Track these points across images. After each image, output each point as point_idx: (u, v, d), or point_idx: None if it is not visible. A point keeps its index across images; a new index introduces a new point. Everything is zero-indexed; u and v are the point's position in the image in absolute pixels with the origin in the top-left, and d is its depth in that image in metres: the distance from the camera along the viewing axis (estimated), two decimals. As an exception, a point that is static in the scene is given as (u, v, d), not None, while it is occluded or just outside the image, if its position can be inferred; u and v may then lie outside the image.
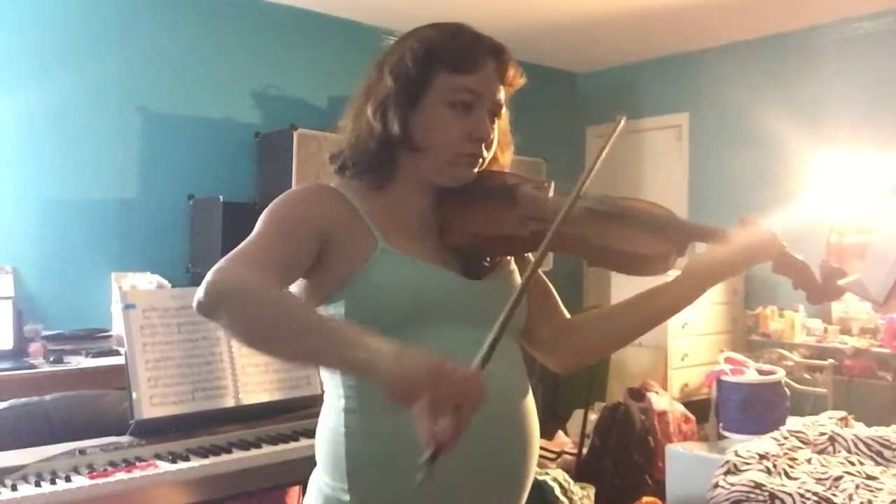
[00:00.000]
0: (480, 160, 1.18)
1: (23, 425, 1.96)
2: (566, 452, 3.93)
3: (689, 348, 4.76)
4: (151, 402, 1.97)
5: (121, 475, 1.76)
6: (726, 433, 3.22)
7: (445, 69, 1.14)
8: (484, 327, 1.14)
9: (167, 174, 4.11)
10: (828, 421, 3.09)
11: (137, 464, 1.83)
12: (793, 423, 3.09)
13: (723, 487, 2.58)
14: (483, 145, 1.17)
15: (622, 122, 1.16)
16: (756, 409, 3.15)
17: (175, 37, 4.16)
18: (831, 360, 4.21)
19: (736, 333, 4.94)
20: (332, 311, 1.10)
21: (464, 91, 1.14)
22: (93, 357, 3.26)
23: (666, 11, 4.59)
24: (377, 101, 1.16)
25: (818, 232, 4.39)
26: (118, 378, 2.14)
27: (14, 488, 1.65)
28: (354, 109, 1.20)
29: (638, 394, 4.17)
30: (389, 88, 1.15)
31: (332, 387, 1.15)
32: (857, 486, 2.51)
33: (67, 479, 1.72)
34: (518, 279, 1.22)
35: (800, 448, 2.87)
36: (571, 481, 3.12)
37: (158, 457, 1.89)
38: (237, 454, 1.95)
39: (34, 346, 3.25)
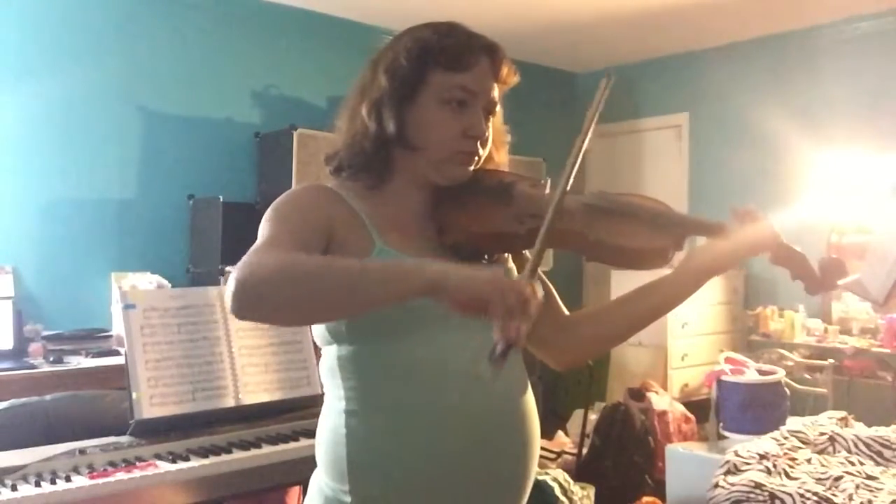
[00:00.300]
0: (476, 158, 1.18)
1: (23, 425, 1.96)
2: (566, 452, 3.93)
3: (689, 348, 4.76)
4: (151, 402, 1.97)
5: (121, 475, 1.76)
6: (726, 433, 3.21)
7: (439, 67, 1.14)
8: (481, 326, 1.14)
9: (167, 174, 4.11)
10: (828, 421, 3.09)
11: (137, 464, 1.83)
12: (793, 423, 3.09)
13: (723, 487, 2.58)
14: (478, 143, 1.17)
15: (611, 81, 1.14)
16: (756, 409, 3.15)
17: (175, 37, 4.16)
18: (831, 360, 4.21)
19: (736, 333, 4.94)
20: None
21: (458, 89, 1.14)
22: (93, 357, 3.26)
23: (666, 11, 4.59)
24: (372, 101, 1.16)
25: (818, 232, 4.39)
26: (118, 378, 2.14)
27: (14, 488, 1.65)
28: (349, 109, 1.20)
29: (638, 394, 4.18)
30: (384, 88, 1.15)
31: (333, 388, 1.15)
32: (857, 486, 2.51)
33: (67, 479, 1.72)
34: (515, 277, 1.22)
35: (800, 448, 2.87)
36: (571, 481, 3.12)
37: (158, 457, 1.89)
38: (237, 454, 1.95)
39: (34, 346, 3.25)
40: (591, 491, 3.22)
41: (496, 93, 1.18)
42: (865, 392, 4.11)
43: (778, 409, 3.19)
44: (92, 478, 1.74)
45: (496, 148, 1.24)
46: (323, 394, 1.19)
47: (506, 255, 1.24)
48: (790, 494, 2.45)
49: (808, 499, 2.42)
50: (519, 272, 1.24)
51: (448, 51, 1.14)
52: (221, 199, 3.89)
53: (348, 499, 1.09)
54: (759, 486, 2.50)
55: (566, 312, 1.30)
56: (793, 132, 4.80)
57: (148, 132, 4.07)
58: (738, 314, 4.97)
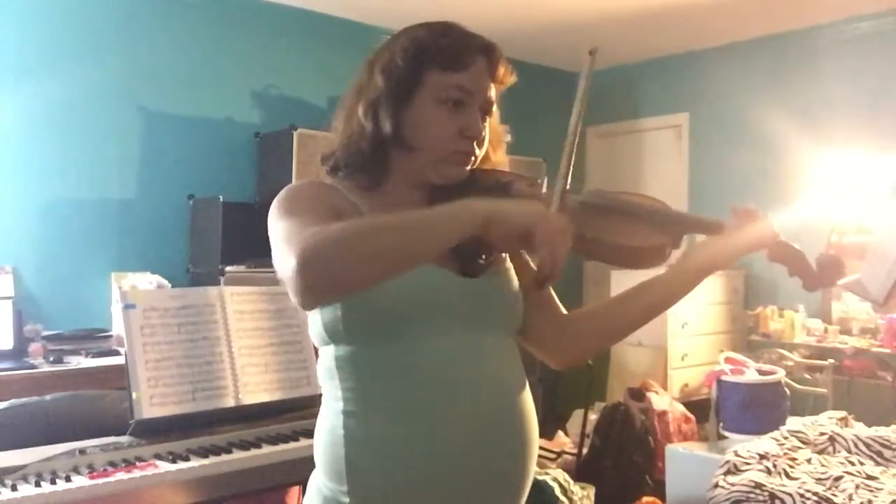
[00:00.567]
0: (472, 158, 1.18)
1: (23, 425, 1.96)
2: (566, 452, 3.93)
3: (689, 348, 4.76)
4: (151, 402, 1.97)
5: (121, 475, 1.76)
6: (726, 433, 3.21)
7: (436, 67, 1.14)
8: (479, 325, 1.14)
9: (167, 174, 4.11)
10: (828, 421, 3.08)
11: (137, 464, 1.83)
12: (793, 423, 3.09)
13: (723, 487, 2.58)
14: (475, 143, 1.17)
15: (595, 55, 1.15)
16: (756, 409, 3.15)
17: (175, 37, 4.16)
18: (831, 360, 4.21)
19: (736, 333, 4.95)
20: (330, 311, 1.10)
21: (454, 89, 1.14)
22: (93, 357, 3.26)
23: (666, 11, 4.59)
24: (368, 101, 1.16)
25: (818, 232, 4.38)
26: (118, 378, 2.14)
27: (14, 488, 1.65)
28: (346, 109, 1.20)
29: (638, 394, 4.18)
30: (380, 88, 1.15)
31: (330, 388, 1.14)
32: (857, 486, 2.51)
33: (67, 479, 1.72)
34: (513, 277, 1.22)
35: (800, 448, 2.87)
36: (571, 481, 3.12)
37: (158, 457, 1.89)
38: (237, 454, 1.95)
39: (34, 346, 3.25)
40: (591, 491, 3.22)
41: (493, 93, 1.18)
42: (865, 392, 4.11)
43: (778, 409, 3.19)
44: (92, 478, 1.74)
45: (493, 147, 1.23)
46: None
47: (503, 254, 1.24)
48: (790, 494, 2.45)
49: (808, 499, 2.42)
50: (517, 272, 1.24)
51: (444, 50, 1.14)
52: (221, 199, 3.90)
53: (347, 499, 1.09)
54: (759, 486, 2.50)
55: (564, 311, 1.30)
56: (793, 132, 4.80)
57: (148, 132, 4.07)
58: (738, 314, 4.97)
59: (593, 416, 3.97)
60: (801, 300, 4.57)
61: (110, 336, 3.55)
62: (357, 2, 4.48)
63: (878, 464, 2.77)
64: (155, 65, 4.08)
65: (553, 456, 3.86)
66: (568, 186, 1.13)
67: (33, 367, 3.07)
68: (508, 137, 1.28)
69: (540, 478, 2.99)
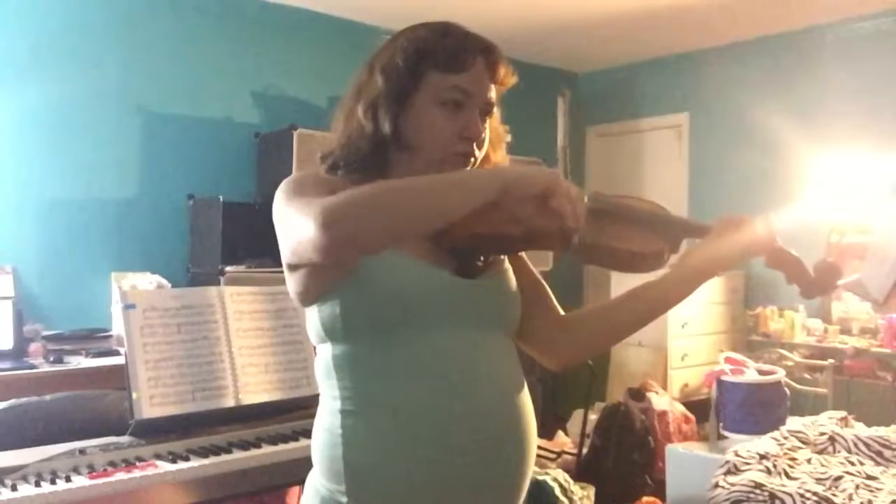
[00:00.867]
0: (472, 159, 1.18)
1: (23, 425, 1.96)
2: (566, 452, 3.93)
3: (689, 348, 4.76)
4: (151, 402, 1.97)
5: (121, 475, 1.76)
6: (726, 433, 3.21)
7: (435, 68, 1.14)
8: (477, 326, 1.14)
9: (167, 174, 4.11)
10: (828, 421, 3.08)
11: (137, 464, 1.83)
12: (793, 423, 3.08)
13: (723, 487, 2.58)
14: (474, 144, 1.17)
15: (566, 96, 1.21)
16: (756, 409, 3.15)
17: (175, 37, 4.16)
18: (831, 360, 4.21)
19: (736, 333, 4.95)
20: (328, 309, 1.10)
21: (454, 90, 1.14)
22: (93, 357, 3.25)
23: (666, 11, 4.59)
24: (368, 101, 1.16)
25: (818, 232, 4.39)
26: (118, 378, 2.14)
27: (14, 488, 1.65)
28: (345, 110, 1.20)
29: (638, 394, 4.17)
30: (380, 88, 1.15)
31: (328, 387, 1.14)
32: (857, 486, 2.51)
33: (67, 479, 1.72)
34: (511, 277, 1.22)
35: (800, 448, 2.86)
36: (571, 481, 3.12)
37: (158, 457, 1.89)
38: (237, 454, 1.95)
39: (34, 346, 3.25)
40: (591, 491, 3.22)
41: (493, 93, 1.18)
42: (865, 392, 4.11)
43: (778, 409, 3.18)
44: (92, 478, 1.74)
45: (493, 149, 1.23)
46: (322, 394, 1.19)
47: (502, 256, 1.24)
48: (790, 494, 2.44)
49: (808, 499, 2.42)
50: (516, 273, 1.24)
51: (444, 51, 1.14)
52: (221, 199, 3.89)
53: (344, 499, 1.09)
54: (759, 486, 2.50)
55: (562, 312, 1.30)
56: (793, 132, 4.80)
57: (148, 132, 4.07)
58: (738, 314, 4.97)
59: (593, 416, 3.97)
60: (800, 300, 4.57)
61: (110, 336, 3.54)
62: (357, 2, 4.48)
63: (878, 464, 2.77)
64: (155, 65, 4.08)
65: (553, 456, 3.86)
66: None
67: (33, 367, 3.07)
68: (507, 138, 1.28)
69: (540, 478, 2.99)
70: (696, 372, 4.67)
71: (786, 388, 3.29)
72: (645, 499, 3.52)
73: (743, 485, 2.53)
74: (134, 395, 1.95)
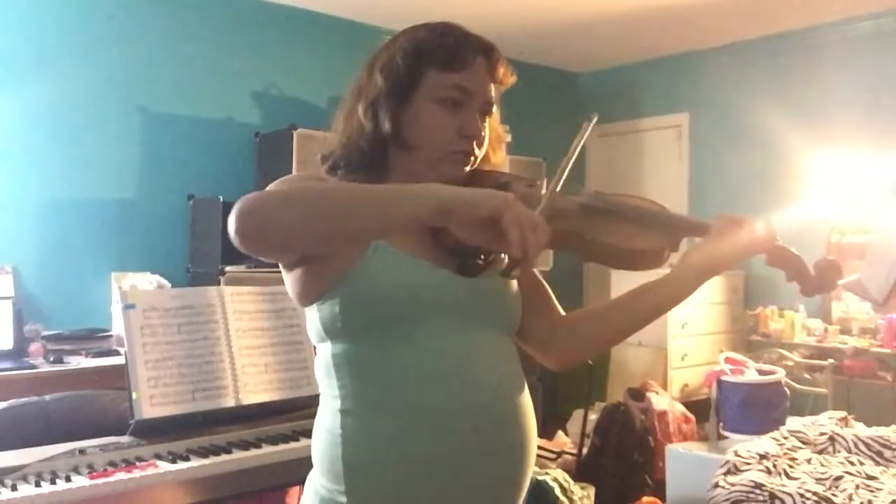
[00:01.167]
0: (471, 158, 1.18)
1: (23, 425, 1.96)
2: (566, 452, 3.93)
3: (689, 348, 4.76)
4: (151, 402, 1.97)
5: (121, 475, 1.76)
6: (726, 433, 3.21)
7: (435, 67, 1.14)
8: (477, 325, 1.14)
9: (167, 174, 4.11)
10: (828, 421, 3.08)
11: (137, 464, 1.83)
12: (793, 423, 3.08)
13: (723, 487, 2.57)
14: (474, 143, 1.17)
15: (594, 120, 1.18)
16: (756, 409, 3.15)
17: (175, 37, 4.16)
18: (831, 360, 4.21)
19: (736, 333, 4.95)
20: (327, 308, 1.10)
21: (453, 88, 1.14)
22: (93, 357, 3.26)
23: (666, 11, 4.59)
24: (368, 101, 1.16)
25: (818, 232, 4.39)
26: (118, 378, 2.14)
27: (14, 488, 1.65)
28: (345, 110, 1.20)
29: (638, 394, 4.17)
30: (380, 87, 1.15)
31: (328, 387, 1.14)
32: (857, 486, 2.51)
33: (67, 479, 1.72)
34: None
35: (800, 448, 2.86)
36: (571, 481, 3.12)
37: (158, 457, 1.89)
38: (237, 454, 1.95)
39: (34, 346, 3.25)
40: (591, 491, 3.22)
41: (492, 93, 1.18)
42: (865, 392, 4.11)
43: (778, 409, 3.18)
44: (92, 478, 1.74)
45: (493, 148, 1.23)
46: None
47: (502, 255, 1.24)
48: (790, 494, 2.44)
49: (808, 499, 2.42)
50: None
51: (443, 50, 1.14)
52: (221, 199, 3.89)
53: (344, 499, 1.09)
54: (759, 486, 2.50)
55: (562, 312, 1.30)
56: (793, 132, 4.80)
57: (148, 132, 4.07)
58: (738, 314, 4.98)
59: (593, 416, 3.97)
60: (801, 300, 4.57)
61: (110, 336, 3.55)
62: (357, 2, 4.48)
63: (878, 464, 2.77)
64: (155, 65, 4.08)
65: (553, 456, 3.86)
66: (559, 189, 1.13)
67: (33, 367, 3.07)
68: (507, 137, 1.28)
69: (540, 478, 2.99)
70: (696, 372, 4.67)
71: (786, 388, 3.29)
72: (645, 499, 3.52)
73: (743, 485, 2.53)
74: (134, 395, 1.95)
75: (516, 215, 0.93)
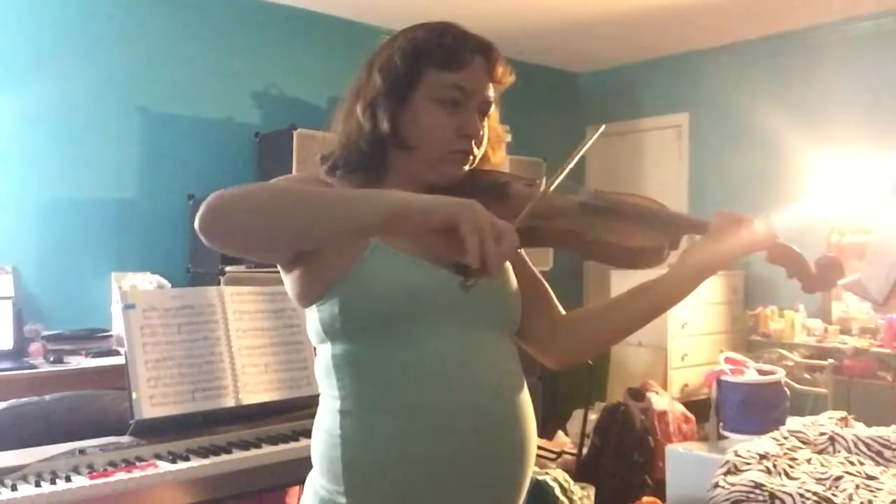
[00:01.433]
0: (470, 157, 1.18)
1: (23, 425, 1.96)
2: (566, 452, 3.93)
3: (689, 348, 4.76)
4: (151, 402, 1.97)
5: (121, 475, 1.76)
6: (726, 433, 3.21)
7: (434, 66, 1.14)
8: (477, 325, 1.14)
9: (167, 174, 4.11)
10: (828, 421, 3.08)
11: (137, 464, 1.83)
12: (793, 423, 3.09)
13: (723, 487, 2.57)
14: (473, 142, 1.17)
15: (600, 129, 1.18)
16: (756, 409, 3.15)
17: (175, 37, 4.16)
18: (831, 360, 4.21)
19: (736, 333, 4.95)
20: (327, 309, 1.10)
21: (452, 88, 1.14)
22: (93, 357, 3.26)
23: (666, 11, 4.59)
24: (367, 100, 1.16)
25: (818, 232, 4.39)
26: (118, 378, 2.14)
27: (14, 488, 1.65)
28: (345, 110, 1.20)
29: (638, 394, 4.17)
30: (378, 87, 1.15)
31: (327, 387, 1.14)
32: (857, 486, 2.51)
33: (67, 479, 1.72)
34: (511, 277, 1.22)
35: (800, 448, 2.86)
36: (571, 481, 3.12)
37: (158, 457, 1.89)
38: (237, 454, 1.95)
39: (34, 346, 3.25)
40: (591, 491, 3.22)
41: (491, 92, 1.18)
42: (865, 392, 4.11)
43: (778, 409, 3.18)
44: (92, 478, 1.74)
45: (492, 147, 1.23)
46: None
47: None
48: (790, 494, 2.44)
49: (808, 499, 2.42)
50: (516, 271, 1.24)
51: (442, 50, 1.14)
52: (221, 200, 3.89)
53: (343, 500, 1.09)
54: (759, 486, 2.50)
55: (562, 312, 1.30)
56: (793, 132, 4.80)
57: (148, 132, 4.07)
58: (738, 314, 4.97)
59: (593, 416, 3.97)
60: (801, 300, 4.57)
61: (110, 336, 3.55)
62: (357, 2, 4.48)
63: (878, 464, 2.77)
64: (155, 65, 4.08)
65: (553, 456, 3.86)
66: (552, 188, 1.13)
67: (33, 367, 3.07)
68: (508, 137, 1.28)
69: (540, 478, 2.99)
70: (696, 372, 4.67)
71: (786, 388, 3.29)
72: (645, 499, 3.52)
73: (743, 485, 2.53)
74: (134, 395, 1.95)
75: (477, 224, 0.90)
